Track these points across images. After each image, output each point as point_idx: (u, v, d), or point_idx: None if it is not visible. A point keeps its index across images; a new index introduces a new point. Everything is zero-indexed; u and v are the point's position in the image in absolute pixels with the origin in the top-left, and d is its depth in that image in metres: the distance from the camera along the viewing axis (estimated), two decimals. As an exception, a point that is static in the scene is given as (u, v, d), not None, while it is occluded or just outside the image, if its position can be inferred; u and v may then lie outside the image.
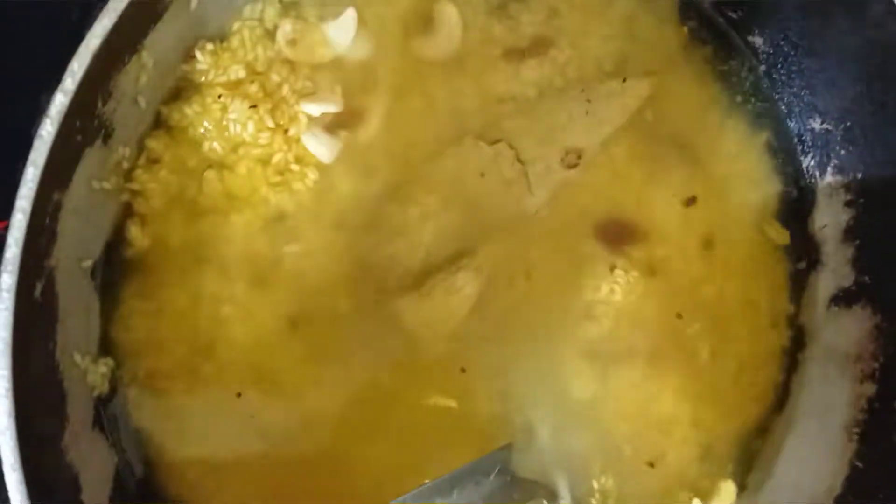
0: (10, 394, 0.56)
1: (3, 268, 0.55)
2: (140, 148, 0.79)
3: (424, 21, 0.85)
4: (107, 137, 0.72)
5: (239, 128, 0.78)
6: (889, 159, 0.85)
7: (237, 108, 0.77)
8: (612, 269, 0.87)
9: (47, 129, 0.58)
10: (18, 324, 0.58)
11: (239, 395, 0.80)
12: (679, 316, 0.89)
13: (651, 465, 0.89)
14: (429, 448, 0.84)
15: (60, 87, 0.57)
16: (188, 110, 0.79)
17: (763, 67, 0.92)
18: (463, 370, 0.85)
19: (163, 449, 0.80)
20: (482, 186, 0.85)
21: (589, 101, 0.86)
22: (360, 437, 0.83)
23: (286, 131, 0.80)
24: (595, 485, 0.87)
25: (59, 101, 0.58)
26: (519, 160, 0.85)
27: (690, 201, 0.88)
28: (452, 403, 0.84)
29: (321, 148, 0.81)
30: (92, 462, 0.73)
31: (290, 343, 0.82)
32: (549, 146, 0.86)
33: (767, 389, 0.92)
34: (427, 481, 0.79)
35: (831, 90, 0.88)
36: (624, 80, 0.87)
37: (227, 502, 0.81)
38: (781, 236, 0.92)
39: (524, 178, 0.85)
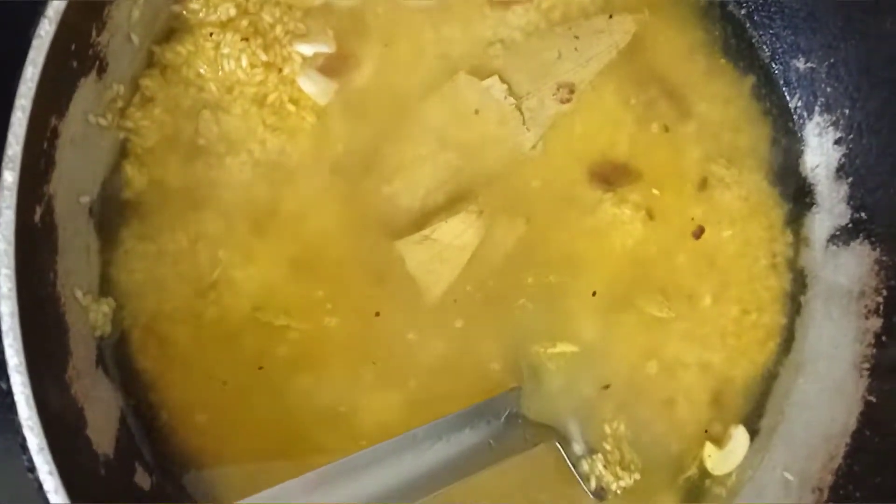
0: (13, 294, 0.54)
1: (4, 165, 0.54)
2: (134, 87, 0.79)
3: (409, -32, 0.86)
4: (101, 71, 0.72)
5: (233, 63, 0.78)
6: (874, 92, 0.86)
7: (229, 42, 0.78)
8: (610, 211, 0.87)
9: (45, 29, 0.58)
10: (20, 234, 0.57)
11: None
12: (678, 260, 0.89)
13: (662, 410, 0.88)
14: (436, 394, 0.83)
15: (56, -8, 0.57)
16: (181, 49, 0.79)
17: (744, 10, 0.94)
18: (467, 315, 0.84)
19: (167, 393, 0.78)
20: (477, 124, 0.85)
21: (577, 37, 0.87)
22: (367, 385, 0.82)
23: (280, 70, 0.81)
24: (608, 429, 0.87)
25: (56, 4, 0.58)
26: (512, 95, 0.85)
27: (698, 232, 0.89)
28: (574, 348, 0.85)
29: (316, 89, 0.82)
30: (97, 401, 0.71)
31: (293, 287, 0.82)
32: (541, 81, 0.86)
33: (773, 332, 0.92)
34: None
35: (813, 27, 0.90)
36: (610, 17, 0.88)
37: (236, 449, 0.79)
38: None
39: (518, 113, 0.85)
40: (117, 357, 0.78)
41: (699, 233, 0.89)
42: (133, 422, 0.78)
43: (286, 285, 0.81)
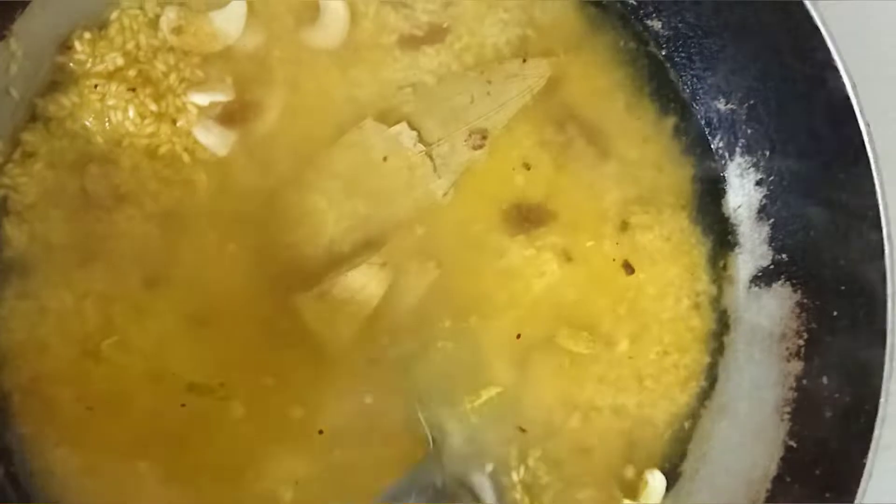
0: None
1: None
2: (16, 142, 0.76)
3: (313, 10, 0.84)
4: (-24, 130, 0.69)
5: (119, 115, 0.76)
6: (793, 135, 0.86)
7: (114, 94, 0.75)
8: (525, 254, 0.86)
9: None
10: None
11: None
12: (598, 301, 0.88)
13: (575, 455, 0.87)
14: (341, 451, 0.81)
15: None
16: (65, 101, 0.77)
17: (664, 51, 0.92)
18: (371, 369, 0.82)
19: (52, 459, 0.76)
20: (386, 171, 0.83)
21: (489, 81, 0.85)
22: (267, 447, 0.80)
23: (174, 121, 0.78)
24: (515, 477, 0.85)
25: None
26: (421, 141, 0.83)
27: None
28: (498, 388, 0.83)
29: (214, 140, 0.79)
30: (-29, 473, 0.69)
31: (191, 344, 0.79)
32: (453, 127, 0.85)
33: (694, 373, 0.90)
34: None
35: (732, 69, 0.89)
36: (524, 61, 0.86)
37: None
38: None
39: (428, 160, 0.84)
40: (-6, 421, 0.75)
41: (630, 270, 0.88)
42: (12, 492, 0.75)
43: (182, 342, 0.79)
